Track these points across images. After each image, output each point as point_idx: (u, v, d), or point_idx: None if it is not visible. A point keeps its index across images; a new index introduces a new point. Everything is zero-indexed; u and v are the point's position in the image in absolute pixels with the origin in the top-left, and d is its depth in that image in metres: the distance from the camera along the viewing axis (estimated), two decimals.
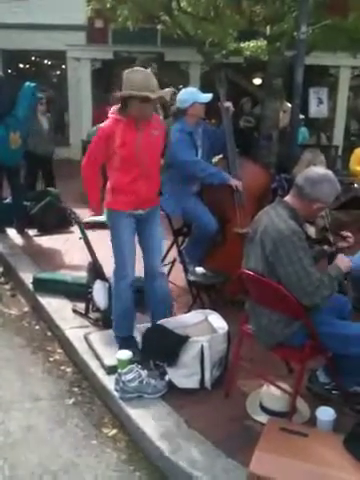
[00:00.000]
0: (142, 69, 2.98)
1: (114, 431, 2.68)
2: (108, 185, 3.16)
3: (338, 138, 11.05)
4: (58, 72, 13.47)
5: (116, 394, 2.75)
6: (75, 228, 4.13)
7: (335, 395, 2.70)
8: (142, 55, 9.09)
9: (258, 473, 1.97)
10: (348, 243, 2.87)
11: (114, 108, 3.04)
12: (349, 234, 2.89)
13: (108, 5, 7.24)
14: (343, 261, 2.52)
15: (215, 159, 4.44)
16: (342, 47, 6.98)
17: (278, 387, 2.60)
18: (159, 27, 8.19)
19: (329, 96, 8.40)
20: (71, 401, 2.95)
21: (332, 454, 2.06)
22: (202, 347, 2.79)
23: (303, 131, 8.87)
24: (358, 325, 2.55)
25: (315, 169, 2.53)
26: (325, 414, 2.39)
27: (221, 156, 4.29)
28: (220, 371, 2.93)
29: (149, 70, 2.97)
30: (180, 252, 4.17)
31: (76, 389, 3.07)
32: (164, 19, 7.64)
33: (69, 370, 3.28)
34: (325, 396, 2.70)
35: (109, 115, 3.04)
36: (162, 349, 2.86)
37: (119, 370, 2.80)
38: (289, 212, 2.46)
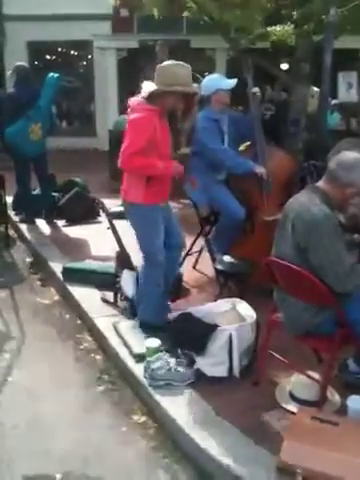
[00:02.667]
0: (184, 64, 2.98)
1: (143, 418, 2.71)
2: (133, 178, 3.10)
3: None
4: (84, 62, 13.53)
5: (145, 382, 2.78)
6: (103, 218, 4.16)
7: None
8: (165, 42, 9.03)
9: (288, 461, 1.96)
10: None
11: (140, 100, 2.99)
12: None
13: None
14: None
15: (242, 147, 4.38)
16: None
17: (308, 376, 2.57)
18: (185, 14, 8.10)
19: (359, 80, 8.19)
20: (101, 388, 2.99)
21: None
22: (230, 336, 2.78)
23: (335, 117, 8.70)
24: None
25: (348, 154, 2.48)
26: (356, 403, 2.36)
27: (248, 143, 4.24)
28: (248, 360, 2.92)
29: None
30: (207, 241, 4.16)
31: (106, 376, 3.11)
32: (190, 6, 7.56)
33: (99, 358, 3.32)
34: (356, 385, 2.66)
35: (137, 106, 2.98)
36: (190, 337, 2.86)
37: (147, 358, 2.82)
38: (322, 197, 2.42)
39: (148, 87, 2.97)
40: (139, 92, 3.03)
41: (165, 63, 3.04)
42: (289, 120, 6.92)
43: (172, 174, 3.15)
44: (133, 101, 3.05)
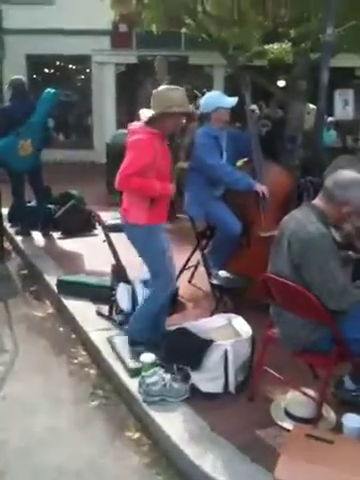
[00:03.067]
0: (177, 87, 3.09)
1: (137, 434, 2.68)
2: (134, 199, 3.07)
3: None
4: (82, 76, 13.63)
5: (139, 397, 2.75)
6: (99, 231, 4.16)
7: None
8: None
9: (283, 479, 1.94)
10: None
11: (141, 124, 3.03)
12: None
13: (133, 9, 7.29)
14: None
15: (239, 163, 4.41)
16: None
17: (303, 393, 2.56)
18: (183, 30, 8.20)
19: (355, 98, 8.28)
20: (95, 403, 2.96)
21: (358, 461, 2.01)
22: (226, 351, 2.77)
23: (331, 134, 8.77)
24: None
25: (345, 172, 2.50)
26: (352, 421, 2.35)
27: (245, 160, 4.26)
28: (244, 376, 2.91)
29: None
30: (203, 255, 4.16)
31: (100, 391, 3.08)
32: (188, 22, 7.65)
33: (93, 372, 3.30)
34: (352, 403, 2.65)
35: (138, 129, 3.01)
36: (185, 353, 2.85)
37: (143, 373, 2.80)
38: (318, 215, 2.44)
39: (146, 113, 3.03)
40: (138, 118, 3.09)
41: (159, 88, 3.12)
42: (286, 137, 6.97)
43: (170, 194, 3.15)
44: (134, 125, 3.09)
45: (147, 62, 9.81)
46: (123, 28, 11.46)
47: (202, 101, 4.03)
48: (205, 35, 7.41)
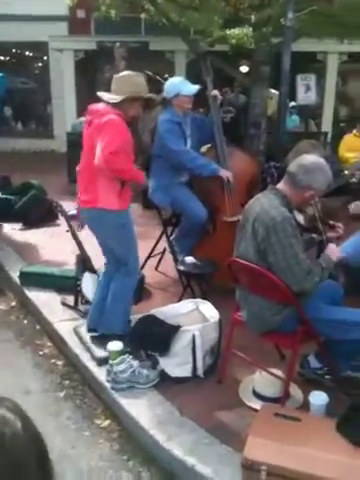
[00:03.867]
0: (139, 73, 3.10)
1: (107, 422, 2.67)
2: (106, 184, 2.95)
3: (327, 124, 11.03)
4: (40, 64, 13.28)
5: (108, 385, 2.74)
6: (61, 221, 4.09)
7: (327, 380, 2.71)
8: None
9: (252, 458, 1.96)
10: (337, 233, 2.87)
11: (105, 105, 2.95)
12: (339, 225, 2.89)
13: None
14: (334, 251, 2.54)
15: (203, 149, 4.40)
16: (329, 33, 6.95)
17: (270, 373, 2.59)
18: (143, 16, 8.09)
19: (317, 82, 8.38)
20: (62, 394, 2.93)
21: (325, 438, 2.06)
22: (194, 336, 2.78)
23: (294, 119, 8.86)
24: (349, 310, 2.57)
25: (308, 157, 2.53)
26: (318, 399, 2.39)
27: (209, 146, 4.25)
28: (212, 359, 2.92)
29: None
30: (170, 242, 4.15)
31: (67, 382, 3.05)
32: (148, 8, 7.55)
33: (60, 363, 3.26)
34: (317, 381, 2.71)
35: (105, 110, 2.92)
36: (154, 339, 2.84)
37: (110, 361, 2.78)
38: (281, 199, 2.46)
39: (107, 95, 2.97)
40: (99, 100, 3.01)
41: (124, 73, 3.08)
42: (249, 122, 7.00)
43: (141, 179, 3.11)
44: (97, 106, 2.99)
45: (107, 48, 9.66)
46: (81, 14, 11.20)
47: (165, 86, 3.98)
48: (165, 20, 7.33)
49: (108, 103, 2.95)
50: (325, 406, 2.38)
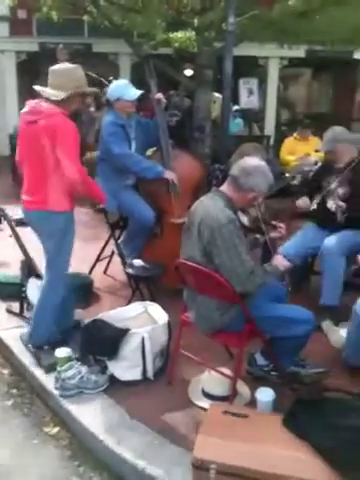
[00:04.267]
0: (77, 66, 2.97)
1: (56, 429, 2.63)
2: (56, 185, 2.88)
3: (270, 128, 11.31)
4: None
5: (56, 392, 2.70)
6: (4, 225, 3.98)
7: (273, 376, 2.78)
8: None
9: (201, 457, 1.99)
10: (280, 233, 2.96)
11: (49, 104, 2.85)
12: (281, 225, 2.98)
13: None
14: (281, 262, 2.62)
15: (149, 152, 4.41)
16: (269, 38, 7.11)
17: (219, 372, 2.64)
18: (85, 18, 7.99)
19: (259, 87, 8.58)
20: (10, 403, 2.86)
21: (271, 433, 2.11)
22: (143, 339, 2.78)
23: (238, 122, 9.03)
24: (291, 307, 2.66)
25: (249, 160, 2.59)
26: (264, 395, 2.46)
27: (155, 149, 4.27)
28: (162, 361, 2.94)
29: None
30: (118, 245, 4.13)
31: (14, 390, 2.98)
32: (90, 10, 7.48)
33: (6, 372, 3.17)
34: (264, 378, 2.78)
35: (51, 111, 2.83)
36: (102, 343, 2.82)
37: (58, 368, 2.74)
38: (225, 201, 2.50)
39: (49, 91, 2.87)
40: (39, 97, 2.91)
41: (63, 66, 2.98)
42: (194, 126, 7.07)
43: (103, 200, 3.15)
44: (39, 105, 2.88)
45: (49, 50, 9.48)
46: (22, 14, 10.91)
47: (108, 89, 3.97)
48: (108, 23, 7.29)
49: (50, 100, 2.85)
50: (272, 402, 2.45)
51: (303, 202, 3.72)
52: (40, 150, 2.83)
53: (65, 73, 2.91)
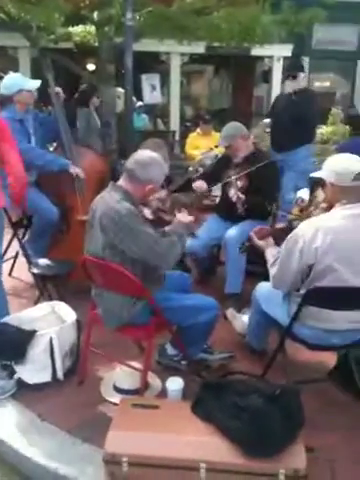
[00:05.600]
0: None
1: None
2: None
3: (175, 123, 11.45)
4: None
5: None
6: None
7: (183, 365, 2.85)
8: None
9: (112, 451, 2.00)
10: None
11: None
12: (184, 212, 3.03)
13: None
14: (184, 217, 2.67)
15: (52, 147, 4.33)
16: (168, 34, 7.18)
17: (129, 366, 2.66)
18: None
19: (162, 82, 8.65)
20: None
21: (181, 420, 2.16)
22: (51, 339, 2.74)
23: (143, 118, 9.05)
24: (195, 296, 2.76)
25: (144, 152, 2.61)
26: (174, 384, 2.51)
27: (56, 144, 4.19)
28: (72, 360, 2.90)
29: None
30: (22, 245, 4.01)
31: None
32: None
33: None
34: (174, 367, 2.85)
35: None
36: (7, 347, 2.74)
37: None
38: (122, 194, 2.51)
39: None
40: None
41: None
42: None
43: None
44: None
45: None
46: None
47: (3, 83, 3.83)
48: (4, 15, 6.98)
49: None
50: (181, 390, 2.51)
51: (200, 184, 3.82)
52: None
53: None
